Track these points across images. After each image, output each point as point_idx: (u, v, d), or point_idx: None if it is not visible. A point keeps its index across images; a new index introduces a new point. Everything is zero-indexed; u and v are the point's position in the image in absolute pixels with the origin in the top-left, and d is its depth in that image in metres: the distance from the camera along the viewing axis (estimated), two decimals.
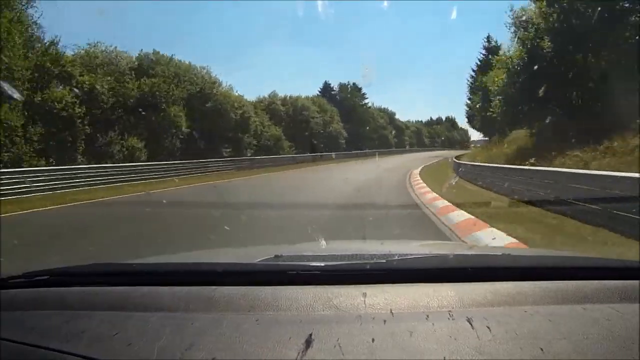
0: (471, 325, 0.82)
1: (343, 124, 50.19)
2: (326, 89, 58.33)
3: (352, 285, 1.03)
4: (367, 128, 55.50)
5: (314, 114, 43.98)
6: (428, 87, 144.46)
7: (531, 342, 0.78)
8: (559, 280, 1.05)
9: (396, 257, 1.21)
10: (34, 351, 0.82)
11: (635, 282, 1.03)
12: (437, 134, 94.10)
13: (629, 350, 0.77)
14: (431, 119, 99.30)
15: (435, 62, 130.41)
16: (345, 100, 56.62)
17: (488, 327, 0.81)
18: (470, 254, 1.55)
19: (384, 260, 1.23)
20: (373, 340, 0.79)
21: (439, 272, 1.12)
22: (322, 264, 1.14)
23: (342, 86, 59.31)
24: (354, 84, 58.80)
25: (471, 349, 0.76)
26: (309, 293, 0.99)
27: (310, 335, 0.80)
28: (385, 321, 0.85)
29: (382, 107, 67.73)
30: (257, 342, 0.80)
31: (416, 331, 0.81)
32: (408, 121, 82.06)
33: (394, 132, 67.67)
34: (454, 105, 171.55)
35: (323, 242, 1.93)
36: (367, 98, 60.73)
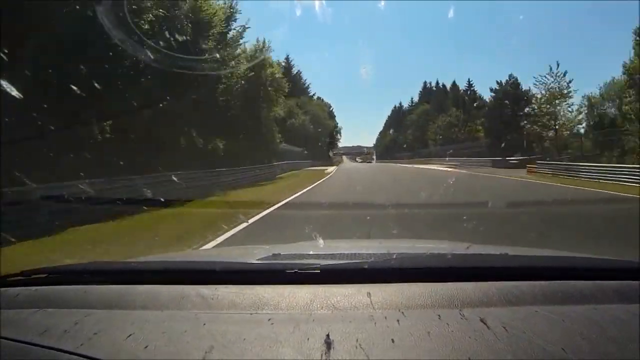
0: (486, 325, 0.83)
1: None
2: None
3: (351, 285, 1.03)
4: None
5: None
6: None
7: (533, 342, 0.77)
8: (558, 280, 1.05)
9: (394, 257, 1.21)
10: (32, 349, 0.82)
11: (635, 282, 1.02)
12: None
13: (628, 351, 0.76)
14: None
15: None
16: None
17: (505, 328, 0.81)
18: (469, 254, 1.55)
19: (383, 260, 1.23)
20: (393, 340, 0.78)
21: (439, 271, 1.12)
22: (321, 263, 1.13)
23: None
24: None
25: (490, 350, 0.75)
26: (308, 292, 0.99)
27: (328, 335, 0.79)
28: (399, 321, 0.85)
29: None
30: (256, 341, 0.80)
31: (433, 332, 0.81)
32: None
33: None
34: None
35: (321, 241, 1.92)
36: None
